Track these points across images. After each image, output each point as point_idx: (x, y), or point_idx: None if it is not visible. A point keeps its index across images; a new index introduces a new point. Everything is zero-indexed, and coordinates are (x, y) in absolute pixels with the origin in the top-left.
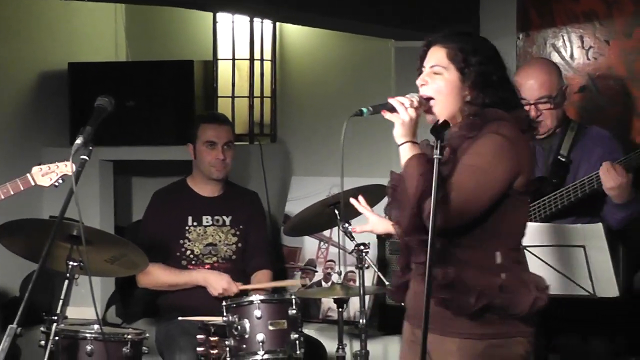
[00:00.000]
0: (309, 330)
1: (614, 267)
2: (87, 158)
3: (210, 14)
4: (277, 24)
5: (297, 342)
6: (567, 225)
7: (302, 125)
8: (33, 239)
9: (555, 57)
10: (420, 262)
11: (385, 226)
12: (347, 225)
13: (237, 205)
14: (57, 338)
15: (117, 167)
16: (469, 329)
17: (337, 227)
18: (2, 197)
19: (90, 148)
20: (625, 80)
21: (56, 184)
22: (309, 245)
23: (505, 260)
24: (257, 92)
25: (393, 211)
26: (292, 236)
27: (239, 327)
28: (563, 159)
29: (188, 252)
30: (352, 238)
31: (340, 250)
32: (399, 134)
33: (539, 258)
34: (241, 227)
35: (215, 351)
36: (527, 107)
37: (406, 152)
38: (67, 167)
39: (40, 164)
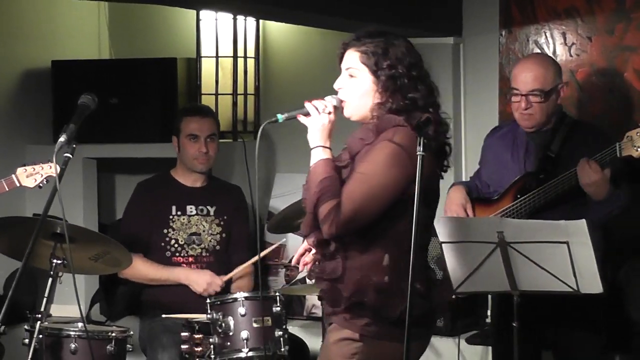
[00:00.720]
0: (293, 328)
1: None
2: (70, 156)
3: (194, 12)
4: (260, 21)
5: (281, 339)
6: (551, 222)
7: (285, 122)
8: (16, 237)
9: None
10: (318, 259)
11: None
12: None
13: (221, 197)
14: (41, 336)
15: (101, 164)
16: (341, 320)
17: None
18: None
19: (74, 146)
20: (607, 76)
21: (41, 185)
22: (293, 242)
23: (393, 263)
24: (240, 90)
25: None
26: (276, 233)
27: (223, 324)
28: (552, 155)
29: (172, 242)
30: None
31: None
32: (313, 136)
33: (522, 254)
34: (225, 217)
35: (199, 349)
36: (517, 98)
37: (315, 156)
38: (51, 169)
39: (25, 165)
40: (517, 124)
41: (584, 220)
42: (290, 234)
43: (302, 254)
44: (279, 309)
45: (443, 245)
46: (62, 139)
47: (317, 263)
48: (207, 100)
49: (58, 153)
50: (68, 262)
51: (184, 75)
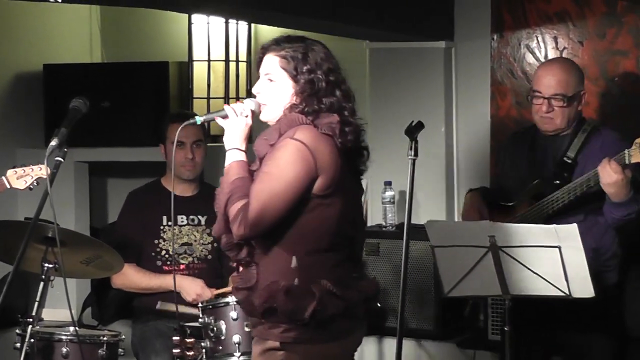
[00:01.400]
0: None
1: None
2: (62, 159)
3: (186, 16)
4: (252, 25)
5: None
6: (542, 226)
7: None
8: (8, 240)
9: (530, 58)
10: (234, 267)
11: None
12: None
13: (212, 206)
14: (32, 340)
15: (93, 168)
16: (261, 329)
17: None
18: None
19: (65, 149)
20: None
21: (31, 186)
22: None
23: (301, 264)
24: (232, 93)
25: None
26: None
27: (215, 328)
28: (569, 161)
29: (163, 252)
30: None
31: None
32: (229, 139)
33: (514, 259)
34: None
35: (191, 353)
36: (539, 101)
37: (229, 159)
38: (41, 170)
39: (15, 167)
40: (534, 128)
41: (575, 225)
42: None
43: None
44: None
45: (435, 249)
46: (53, 142)
47: (236, 272)
48: (199, 104)
49: (49, 157)
50: (59, 266)
51: (176, 79)
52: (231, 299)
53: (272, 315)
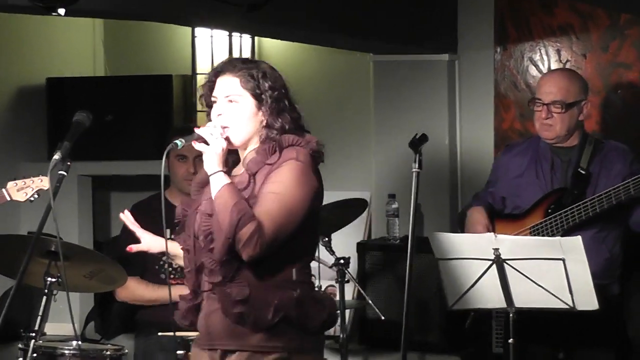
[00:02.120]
0: None
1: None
2: (65, 173)
3: (189, 29)
4: (256, 38)
5: None
6: (546, 238)
7: None
8: (10, 254)
9: (533, 71)
10: (216, 282)
11: (160, 245)
12: (327, 239)
13: None
14: (35, 355)
15: (96, 182)
16: (261, 342)
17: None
18: None
19: (68, 163)
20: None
21: (31, 198)
22: None
23: (299, 276)
24: None
25: (182, 236)
26: None
27: None
28: (583, 172)
29: (167, 265)
30: (332, 252)
31: (320, 265)
32: (211, 163)
33: (518, 271)
34: None
35: None
36: (539, 108)
37: (219, 182)
38: (42, 182)
39: (15, 179)
40: (536, 139)
41: (579, 237)
42: None
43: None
44: None
45: (439, 261)
46: (56, 156)
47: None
48: (203, 118)
49: (52, 170)
50: (62, 280)
51: (180, 92)
52: None
53: (281, 326)
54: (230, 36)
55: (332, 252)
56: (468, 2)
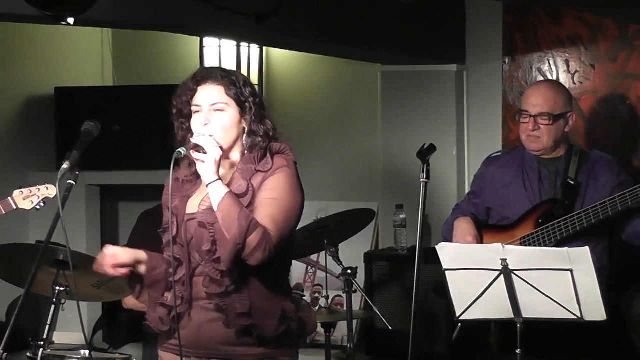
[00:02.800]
0: None
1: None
2: (73, 183)
3: (197, 39)
4: (264, 48)
5: None
6: (554, 249)
7: None
8: (19, 264)
9: None
10: (215, 293)
11: (132, 256)
12: (334, 249)
13: None
14: None
15: (104, 191)
16: (262, 352)
17: (324, 252)
18: None
19: (77, 173)
20: (610, 103)
21: (38, 207)
22: (297, 270)
23: (285, 285)
24: None
25: (175, 247)
26: None
27: None
28: (572, 182)
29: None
30: (339, 262)
31: (328, 275)
32: (209, 172)
33: (526, 282)
34: None
35: None
36: (526, 120)
37: (219, 190)
38: (48, 190)
39: (21, 187)
40: (521, 151)
41: (587, 248)
42: (293, 261)
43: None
44: None
45: (446, 272)
46: (65, 165)
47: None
48: None
49: (61, 180)
50: (71, 290)
51: None
52: None
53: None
54: (238, 46)
55: (339, 262)
56: (476, 12)
